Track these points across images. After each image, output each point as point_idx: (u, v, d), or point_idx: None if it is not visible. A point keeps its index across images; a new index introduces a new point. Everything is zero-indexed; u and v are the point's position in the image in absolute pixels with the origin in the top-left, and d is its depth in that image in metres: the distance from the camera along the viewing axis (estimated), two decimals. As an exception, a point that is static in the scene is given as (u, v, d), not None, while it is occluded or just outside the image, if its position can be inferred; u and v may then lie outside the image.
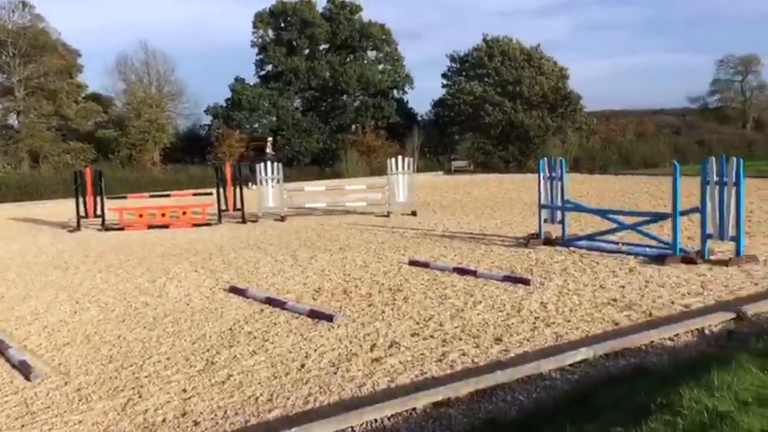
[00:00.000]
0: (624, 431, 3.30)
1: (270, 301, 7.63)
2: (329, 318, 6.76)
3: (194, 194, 18.71)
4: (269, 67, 48.34)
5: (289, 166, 34.88)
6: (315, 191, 19.72)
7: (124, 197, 18.73)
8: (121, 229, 15.92)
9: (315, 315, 6.93)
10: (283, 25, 47.99)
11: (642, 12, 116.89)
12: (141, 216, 16.44)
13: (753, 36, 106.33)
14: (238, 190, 16.69)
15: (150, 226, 16.03)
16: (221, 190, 16.87)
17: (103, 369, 5.65)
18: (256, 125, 46.72)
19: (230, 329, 6.67)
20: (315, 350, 5.84)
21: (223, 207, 16.82)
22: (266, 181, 16.89)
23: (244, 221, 16.34)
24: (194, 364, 5.66)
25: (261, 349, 5.95)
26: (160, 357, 5.88)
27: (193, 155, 43.01)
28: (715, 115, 67.61)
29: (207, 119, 47.98)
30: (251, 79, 48.62)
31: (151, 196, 19.39)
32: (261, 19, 47.57)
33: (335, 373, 5.26)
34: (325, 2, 49.01)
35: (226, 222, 16.45)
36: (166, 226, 16.04)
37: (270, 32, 48.37)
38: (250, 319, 7.03)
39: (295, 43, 47.64)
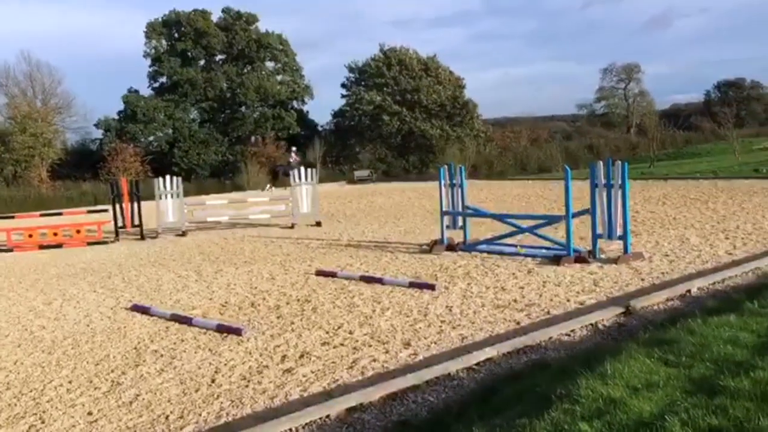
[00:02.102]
0: (528, 422, 3.51)
1: (175, 318, 7.51)
2: (238, 332, 6.74)
3: (89, 212, 18.03)
4: (163, 79, 47.18)
5: (188, 179, 34.17)
6: (217, 204, 19.42)
7: (12, 217, 17.83)
8: (10, 250, 15.15)
9: (223, 329, 6.88)
10: (177, 35, 46.98)
11: (530, 23, 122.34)
12: (31, 236, 15.70)
13: (634, 45, 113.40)
14: (135, 205, 16.23)
15: (41, 247, 15.34)
16: (118, 206, 16.36)
17: (1, 396, 5.42)
18: (151, 138, 45.49)
19: (135, 348, 6.53)
20: (225, 365, 5.82)
21: (120, 224, 16.32)
22: (165, 196, 16.50)
23: (142, 238, 15.91)
24: (99, 386, 5.52)
25: (169, 367, 5.87)
26: (61, 381, 5.70)
27: (83, 171, 41.37)
28: (602, 120, 71.45)
29: (98, 133, 46.32)
30: (145, 90, 47.32)
31: (42, 215, 18.54)
32: (153, 29, 46.39)
33: (247, 386, 5.27)
34: (220, 12, 48.30)
35: (124, 239, 15.96)
36: (59, 246, 15.40)
37: (163, 42, 47.22)
38: (155, 337, 6.90)
39: (190, 53, 46.74)
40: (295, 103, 49.94)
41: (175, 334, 6.96)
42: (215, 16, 47.68)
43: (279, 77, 49.56)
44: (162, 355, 6.23)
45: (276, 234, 15.27)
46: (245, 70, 48.21)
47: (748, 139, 40.85)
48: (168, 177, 16.73)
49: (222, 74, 47.03)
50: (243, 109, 47.15)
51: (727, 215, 13.12)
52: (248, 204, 18.87)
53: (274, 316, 7.46)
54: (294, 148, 33.41)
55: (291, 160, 30.12)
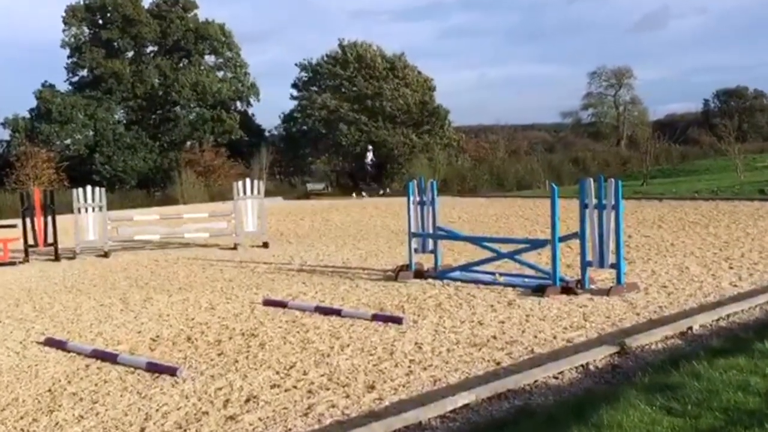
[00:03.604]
0: (515, 480, 3.52)
1: (97, 355, 7.38)
2: (172, 371, 6.64)
3: (-8, 226, 17.63)
4: (84, 72, 46.65)
5: (111, 190, 33.71)
6: (146, 220, 19.17)
7: None
8: None
9: (154, 368, 6.78)
10: (101, 22, 46.54)
11: (510, 18, 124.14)
12: None
13: (625, 47, 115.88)
14: (50, 220, 15.94)
15: (-66, 267, 14.94)
16: (29, 221, 16.05)
17: None
18: (68, 141, 44.85)
19: (49, 391, 6.39)
20: (157, 410, 5.72)
21: (31, 242, 16.01)
22: (85, 209, 16.23)
23: (57, 258, 15.63)
24: (6, 435, 5.38)
25: (90, 413, 5.75)
26: (-40, 429, 5.54)
27: (-14, 178, 40.54)
28: (589, 131, 72.63)
29: (5, 134, 45.50)
30: (62, 85, 46.67)
31: (-65, 230, 18.05)
32: (74, 14, 45.85)
33: (183, 436, 5.19)
34: (153, -3, 47.96)
35: (35, 260, 15.67)
36: (-45, 267, 15.02)
37: (85, 30, 46.71)
38: (73, 377, 6.76)
39: (116, 43, 46.31)
40: (238, 104, 49.80)
41: (97, 373, 6.83)
42: (147, 1, 47.42)
43: (220, 74, 49.41)
44: (81, 399, 6.10)
45: (216, 256, 15.15)
46: (181, 65, 47.95)
47: (752, 155, 41.93)
48: (89, 187, 16.49)
49: (154, 68, 46.68)
50: (177, 109, 46.83)
51: (730, 242, 13.43)
52: (184, 220, 18.69)
53: (214, 352, 7.37)
54: (371, 147, 33.85)
55: (368, 160, 30.71)
